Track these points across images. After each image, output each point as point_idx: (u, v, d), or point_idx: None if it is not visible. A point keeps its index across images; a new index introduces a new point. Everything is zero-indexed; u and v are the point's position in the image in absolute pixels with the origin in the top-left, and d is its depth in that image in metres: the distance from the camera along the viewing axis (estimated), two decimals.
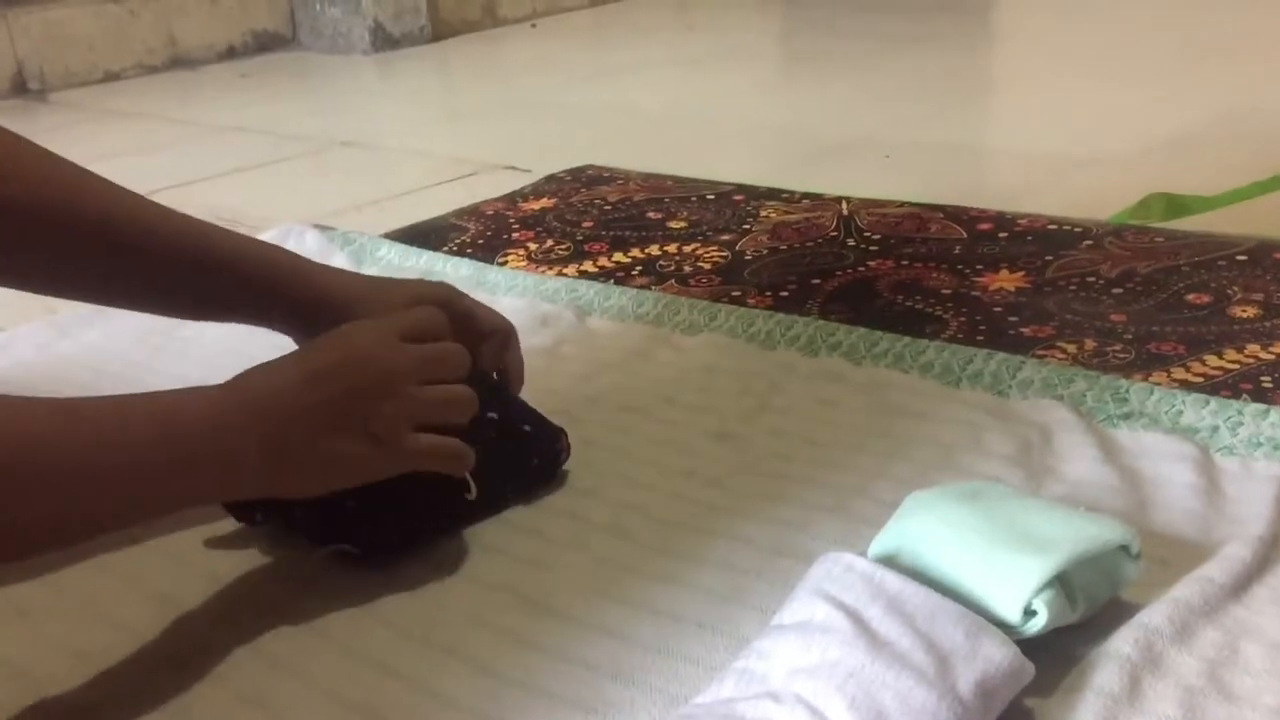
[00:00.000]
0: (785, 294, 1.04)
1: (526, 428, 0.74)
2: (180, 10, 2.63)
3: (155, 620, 0.64)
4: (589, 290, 1.07)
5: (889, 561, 0.58)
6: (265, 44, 2.78)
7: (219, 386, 0.59)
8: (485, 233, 1.28)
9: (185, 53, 2.65)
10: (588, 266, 1.15)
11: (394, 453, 0.62)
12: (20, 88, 2.43)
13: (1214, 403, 0.77)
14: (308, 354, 0.63)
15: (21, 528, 0.51)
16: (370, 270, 1.18)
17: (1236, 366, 0.84)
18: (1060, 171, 1.42)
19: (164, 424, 0.56)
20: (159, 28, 2.61)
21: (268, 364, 0.62)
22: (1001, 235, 1.15)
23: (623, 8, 3.15)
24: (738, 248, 1.17)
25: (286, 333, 0.76)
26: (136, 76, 2.57)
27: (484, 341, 0.79)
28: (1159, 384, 0.82)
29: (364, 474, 0.62)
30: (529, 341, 0.98)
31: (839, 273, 1.09)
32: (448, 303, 0.76)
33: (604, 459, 0.78)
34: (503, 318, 0.81)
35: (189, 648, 0.61)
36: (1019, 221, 1.18)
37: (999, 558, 0.56)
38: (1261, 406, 0.76)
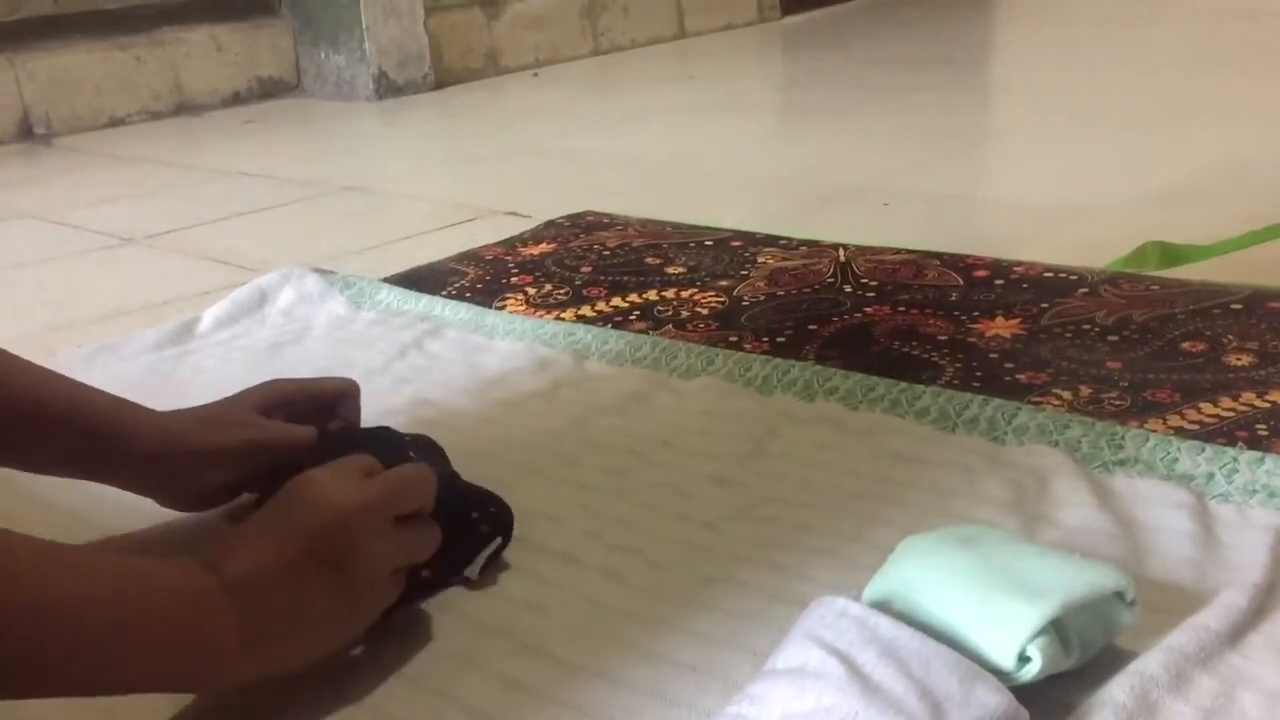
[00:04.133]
0: (782, 339, 1.05)
1: (474, 514, 0.70)
2: (186, 57, 2.67)
3: None
4: (587, 335, 1.07)
5: (883, 606, 0.57)
6: (270, 91, 2.80)
7: (181, 564, 0.54)
8: (484, 277, 1.29)
9: (190, 99, 2.68)
10: (586, 311, 1.16)
11: (375, 601, 0.60)
12: (26, 132, 2.45)
13: (1209, 450, 0.77)
14: (271, 516, 0.58)
15: None
16: (368, 314, 1.19)
17: (1232, 414, 0.84)
18: (1056, 220, 1.43)
19: (129, 594, 0.50)
20: (165, 74, 2.64)
21: (228, 538, 0.57)
22: (998, 282, 1.15)
23: (624, 57, 3.18)
24: (735, 293, 1.18)
25: (134, 487, 0.74)
26: (142, 122, 2.60)
27: (339, 403, 0.81)
28: (1154, 431, 0.82)
29: (348, 630, 0.59)
30: (527, 385, 0.99)
31: (836, 319, 1.09)
32: (282, 391, 0.77)
33: (600, 502, 0.78)
34: (341, 378, 0.82)
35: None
36: (1015, 269, 1.18)
37: (994, 603, 0.55)
38: (1257, 454, 0.76)
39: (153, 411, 0.75)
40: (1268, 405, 0.85)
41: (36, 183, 2.08)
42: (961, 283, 1.16)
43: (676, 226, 1.43)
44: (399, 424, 0.79)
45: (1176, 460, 0.77)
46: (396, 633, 0.64)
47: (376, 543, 0.59)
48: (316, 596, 0.56)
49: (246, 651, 0.53)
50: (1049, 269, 1.18)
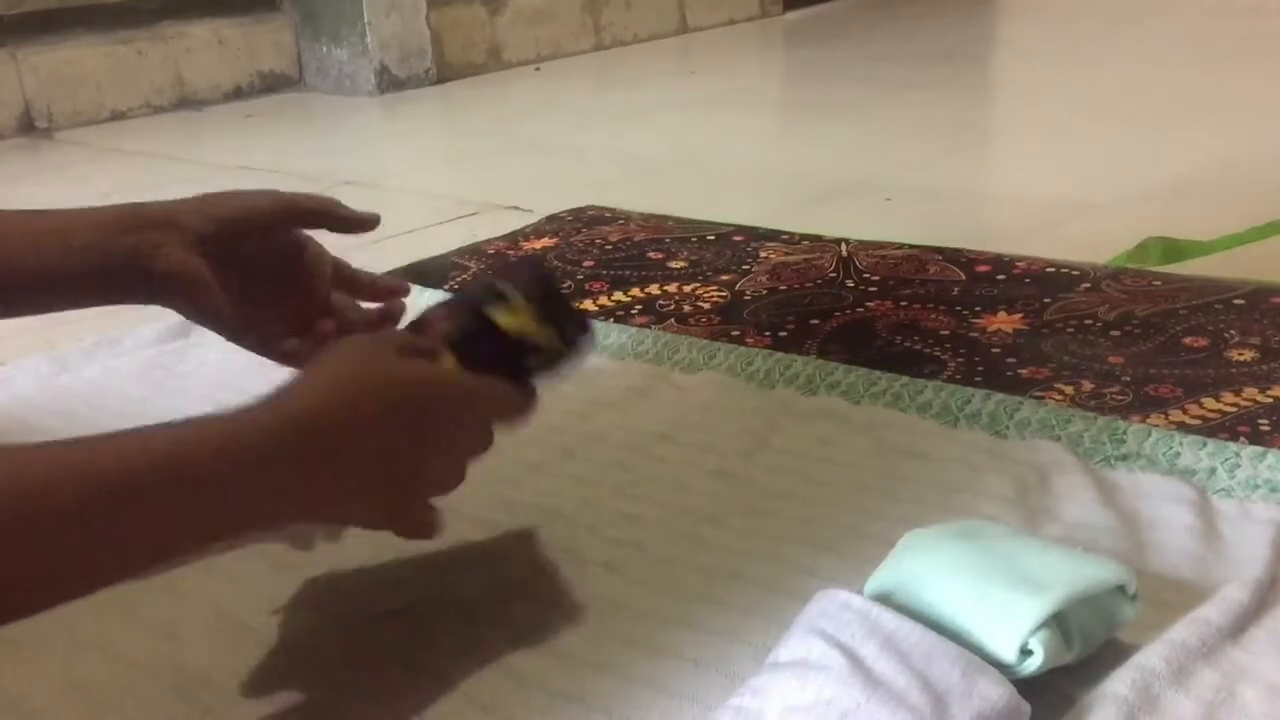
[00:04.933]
0: (784, 334, 1.05)
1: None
2: (188, 51, 2.66)
3: (154, 652, 0.63)
4: None
5: (885, 600, 0.57)
6: (272, 85, 2.80)
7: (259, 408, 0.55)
8: (487, 271, 1.29)
9: (192, 93, 2.67)
10: (588, 305, 1.16)
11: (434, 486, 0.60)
12: (27, 126, 2.45)
13: (1211, 445, 0.77)
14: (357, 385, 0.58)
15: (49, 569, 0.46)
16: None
17: (1234, 409, 0.84)
18: (1058, 216, 1.43)
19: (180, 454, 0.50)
20: (166, 68, 2.64)
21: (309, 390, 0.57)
22: (1000, 278, 1.15)
23: (626, 52, 3.18)
24: (737, 288, 1.18)
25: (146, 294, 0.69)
26: (143, 116, 2.59)
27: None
28: (1156, 426, 0.82)
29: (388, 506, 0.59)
30: None
31: (838, 313, 1.09)
32: (292, 205, 0.74)
33: (602, 496, 0.78)
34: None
35: (185, 680, 0.61)
36: (1017, 264, 1.18)
37: (995, 597, 0.55)
38: (1259, 449, 0.76)
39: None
40: (1270, 400, 0.85)
41: (38, 177, 2.08)
42: (964, 278, 1.16)
43: (678, 221, 1.43)
44: None
45: (1178, 455, 0.77)
46: (397, 622, 0.64)
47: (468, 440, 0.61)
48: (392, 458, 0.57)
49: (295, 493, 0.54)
50: (1051, 264, 1.18)
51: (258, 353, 0.76)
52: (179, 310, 0.71)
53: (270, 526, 0.60)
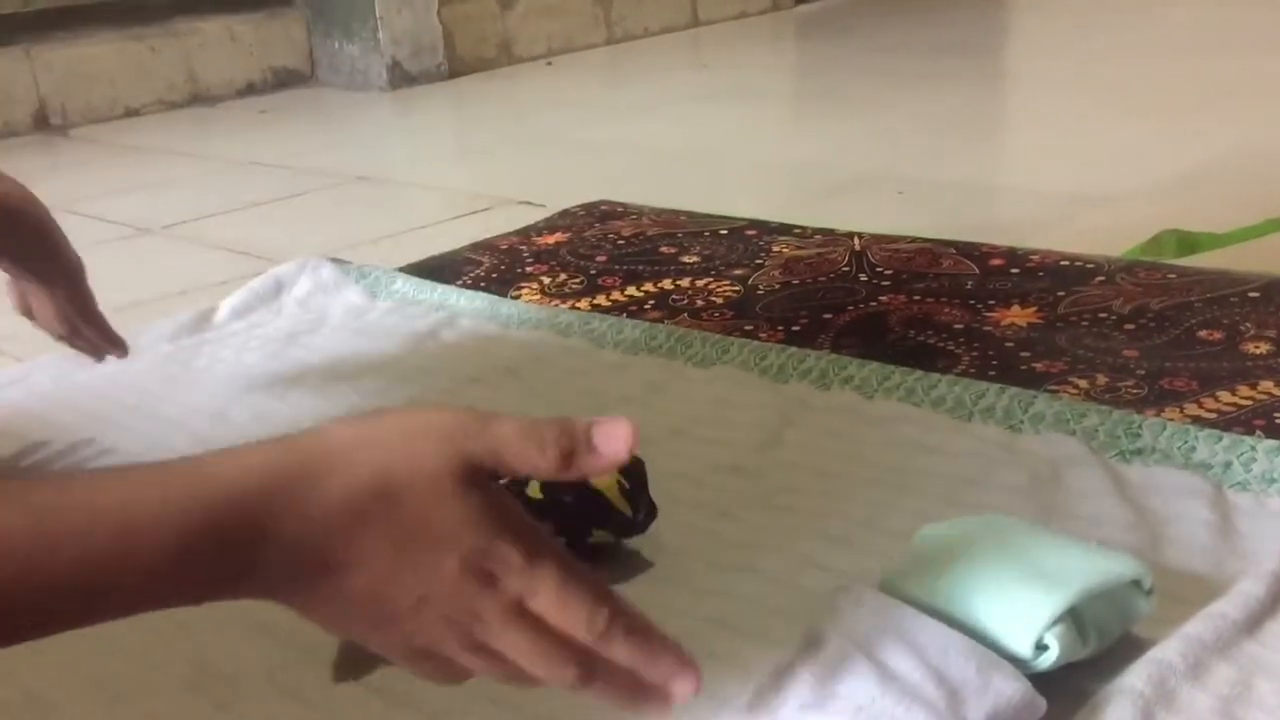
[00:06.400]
0: (797, 328, 1.05)
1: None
2: (201, 48, 2.67)
3: (168, 646, 0.64)
4: (602, 324, 1.07)
5: (900, 594, 0.58)
6: (284, 81, 2.81)
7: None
8: (499, 266, 1.29)
9: (205, 89, 2.68)
10: (601, 300, 1.16)
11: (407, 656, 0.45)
12: (42, 123, 2.46)
13: (1227, 438, 0.77)
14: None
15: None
16: (384, 304, 1.19)
17: (1249, 402, 0.84)
18: (1072, 208, 1.43)
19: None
20: (179, 65, 2.64)
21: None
22: (1013, 271, 1.15)
23: (637, 46, 3.18)
24: (750, 282, 1.18)
25: None
26: (157, 112, 2.60)
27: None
28: (1171, 420, 0.81)
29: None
30: (542, 375, 0.99)
31: (851, 307, 1.09)
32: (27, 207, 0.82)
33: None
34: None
35: (200, 674, 0.62)
36: (1031, 258, 1.18)
37: (1011, 592, 0.55)
38: (1275, 442, 0.76)
39: None
40: None
41: (53, 173, 2.09)
42: (977, 271, 1.16)
43: (691, 215, 1.43)
44: None
45: (1194, 449, 0.77)
46: None
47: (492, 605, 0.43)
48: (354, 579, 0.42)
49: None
50: (1065, 257, 1.17)
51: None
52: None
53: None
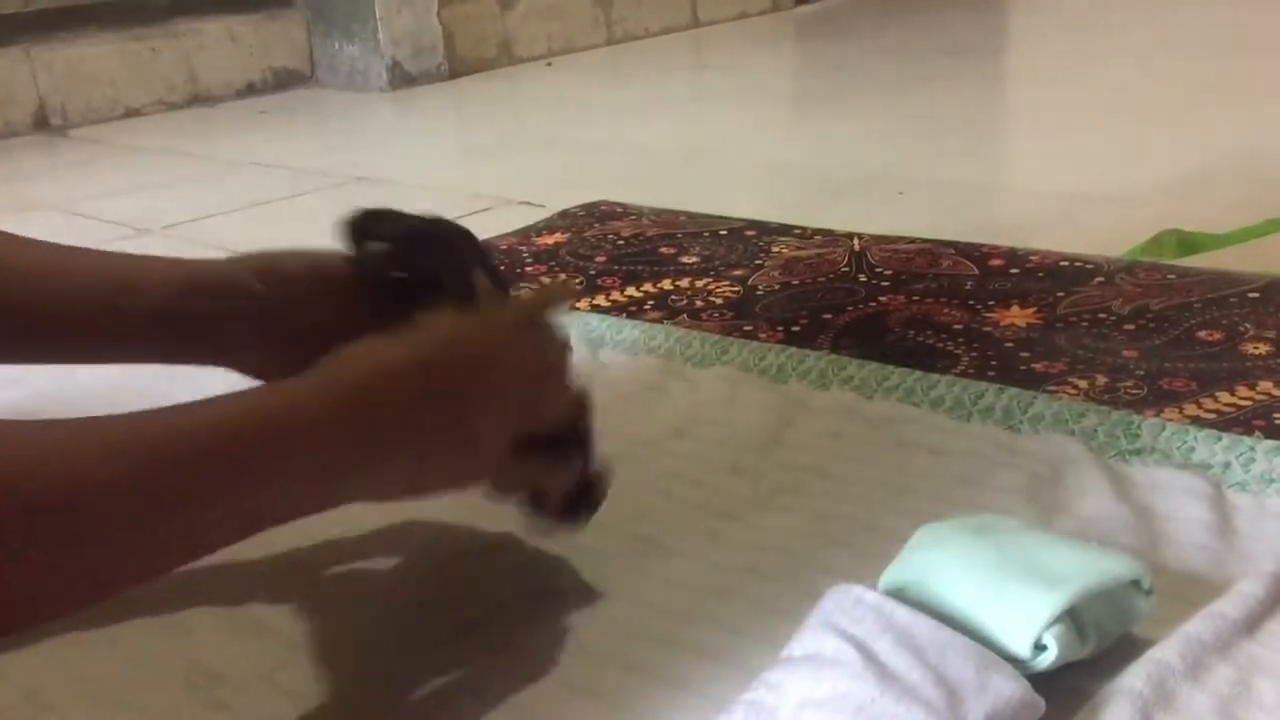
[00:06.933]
0: (797, 329, 1.05)
1: None
2: (201, 48, 2.67)
3: (166, 646, 0.64)
4: (601, 324, 1.07)
5: (899, 594, 0.58)
6: (284, 81, 2.81)
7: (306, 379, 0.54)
8: (499, 267, 1.29)
9: (205, 90, 2.68)
10: (600, 301, 1.16)
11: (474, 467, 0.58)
12: (42, 123, 2.46)
13: (1226, 439, 0.77)
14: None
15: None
16: None
17: (1249, 403, 0.84)
18: (1072, 209, 1.43)
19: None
20: (180, 65, 2.65)
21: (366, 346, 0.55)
22: (1013, 271, 1.15)
23: (637, 46, 3.18)
24: (750, 283, 1.18)
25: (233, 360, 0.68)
26: (157, 113, 2.60)
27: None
28: (1171, 420, 0.81)
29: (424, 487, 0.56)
30: None
31: (850, 308, 1.09)
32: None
33: (615, 491, 0.77)
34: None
35: (197, 674, 0.62)
36: (1030, 258, 1.18)
37: (1009, 591, 0.55)
38: (1274, 443, 0.76)
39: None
40: None
41: (53, 174, 2.09)
42: (977, 271, 1.16)
43: (691, 216, 1.43)
44: None
45: (1193, 449, 0.77)
46: (412, 616, 0.65)
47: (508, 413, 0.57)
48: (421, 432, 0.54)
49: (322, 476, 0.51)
50: (1065, 258, 1.17)
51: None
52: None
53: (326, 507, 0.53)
